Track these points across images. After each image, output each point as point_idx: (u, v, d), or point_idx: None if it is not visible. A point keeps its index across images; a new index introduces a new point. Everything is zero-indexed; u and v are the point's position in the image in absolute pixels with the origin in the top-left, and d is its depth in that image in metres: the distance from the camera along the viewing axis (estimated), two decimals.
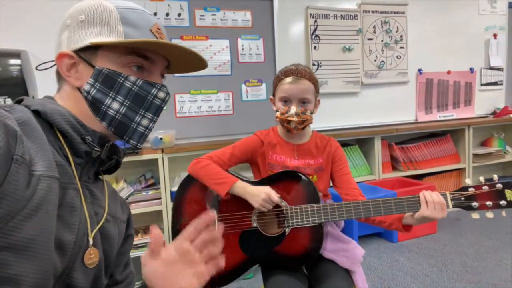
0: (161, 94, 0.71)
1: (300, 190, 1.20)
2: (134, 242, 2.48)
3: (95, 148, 0.65)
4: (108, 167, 0.74)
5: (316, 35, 3.08)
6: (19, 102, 0.64)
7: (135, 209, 2.36)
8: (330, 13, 3.10)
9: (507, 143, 3.66)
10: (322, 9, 3.07)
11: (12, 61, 2.03)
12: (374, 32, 3.27)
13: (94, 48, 0.65)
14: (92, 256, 0.65)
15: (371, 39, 3.27)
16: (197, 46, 2.74)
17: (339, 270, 1.19)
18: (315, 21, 3.06)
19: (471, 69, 3.67)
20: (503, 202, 1.09)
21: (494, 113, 3.70)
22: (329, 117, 3.15)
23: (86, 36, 0.65)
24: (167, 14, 2.66)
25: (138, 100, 0.68)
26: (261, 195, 1.14)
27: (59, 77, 0.69)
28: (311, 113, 1.28)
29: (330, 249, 1.24)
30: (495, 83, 3.80)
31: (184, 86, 2.73)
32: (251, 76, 2.91)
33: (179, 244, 0.66)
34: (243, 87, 2.90)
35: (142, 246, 2.42)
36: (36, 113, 0.61)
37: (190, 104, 2.77)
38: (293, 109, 1.22)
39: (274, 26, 2.93)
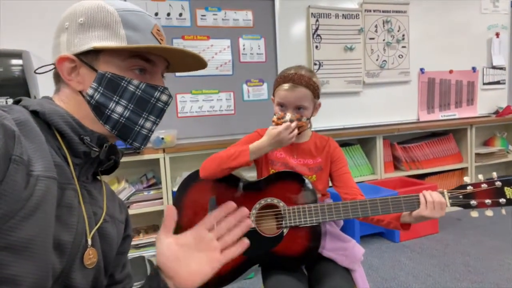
0: (164, 97, 0.71)
1: (298, 190, 1.20)
2: (136, 242, 2.51)
3: (94, 149, 0.65)
4: (106, 167, 0.74)
5: (318, 35, 3.07)
6: (17, 102, 0.64)
7: (136, 209, 2.36)
8: (332, 13, 3.09)
9: (510, 143, 3.65)
10: (323, 9, 3.06)
11: (14, 61, 2.04)
12: (376, 31, 3.26)
13: (95, 52, 0.65)
14: (91, 257, 0.65)
15: (373, 39, 3.26)
16: (198, 46, 2.74)
17: (339, 269, 1.19)
18: (317, 20, 3.05)
19: (474, 68, 3.65)
20: (502, 200, 1.07)
21: (496, 113, 3.69)
22: (330, 116, 3.14)
23: (88, 39, 0.65)
24: (168, 14, 2.66)
25: (141, 104, 0.69)
26: (272, 139, 1.19)
27: (58, 79, 0.69)
28: (308, 118, 1.28)
29: (329, 248, 1.23)
30: (498, 82, 3.79)
31: (186, 86, 2.73)
32: (252, 76, 2.91)
33: (196, 230, 0.70)
34: (245, 87, 2.90)
35: (144, 246, 2.43)
36: (35, 113, 0.61)
37: (192, 104, 2.78)
38: (288, 116, 1.23)
39: (276, 25, 2.93)
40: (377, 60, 3.28)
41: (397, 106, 3.40)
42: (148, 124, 0.71)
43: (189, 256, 0.67)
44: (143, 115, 0.70)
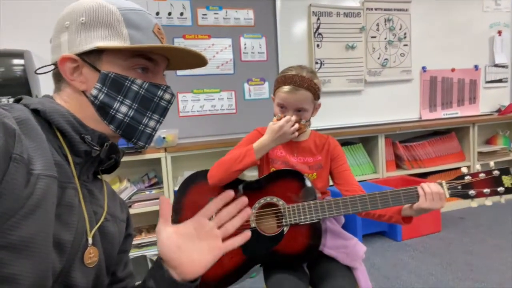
0: (167, 96, 0.72)
1: (297, 188, 1.20)
2: (138, 241, 2.51)
3: (95, 147, 0.65)
4: (107, 166, 0.74)
5: (319, 33, 3.06)
6: (18, 101, 0.64)
7: (138, 208, 2.36)
8: (333, 11, 3.09)
9: None
10: (325, 7, 3.06)
11: (16, 61, 2.04)
12: (378, 29, 3.25)
13: (98, 52, 0.65)
14: (92, 256, 0.65)
15: (375, 37, 3.25)
16: (199, 45, 2.74)
17: (341, 268, 1.19)
18: (318, 19, 3.05)
19: (476, 67, 3.64)
20: (500, 189, 1.07)
21: (499, 111, 3.67)
22: (332, 115, 3.14)
23: (90, 39, 0.64)
24: (170, 13, 2.66)
25: (145, 103, 0.69)
26: (274, 134, 1.20)
27: (58, 79, 0.68)
28: (307, 120, 1.29)
29: (331, 246, 1.23)
30: (500, 81, 3.77)
31: (187, 85, 2.74)
32: (253, 75, 2.91)
33: (196, 219, 0.70)
34: (246, 86, 2.90)
35: (146, 245, 2.43)
36: (35, 112, 0.61)
37: (193, 103, 2.78)
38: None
39: (277, 24, 2.93)
40: (378, 58, 3.28)
41: (399, 105, 3.40)
42: (152, 123, 0.71)
43: (190, 245, 0.67)
44: (147, 114, 0.70)
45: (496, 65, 3.73)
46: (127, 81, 0.66)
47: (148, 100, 0.69)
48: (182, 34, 2.70)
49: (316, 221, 1.15)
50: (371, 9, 3.21)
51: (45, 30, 0.77)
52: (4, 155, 0.49)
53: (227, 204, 0.72)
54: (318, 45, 3.07)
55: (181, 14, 2.69)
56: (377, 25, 3.25)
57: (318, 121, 2.97)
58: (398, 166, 3.21)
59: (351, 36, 3.16)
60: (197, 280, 0.68)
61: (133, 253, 2.34)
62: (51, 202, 0.55)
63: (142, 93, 0.68)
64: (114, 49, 0.65)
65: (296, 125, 1.22)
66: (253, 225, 1.18)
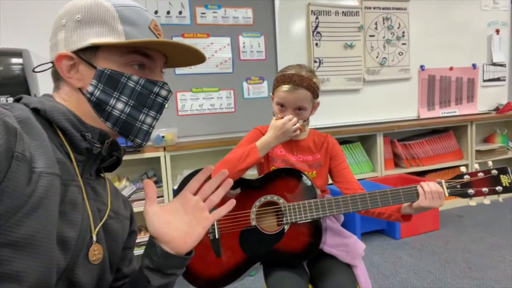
0: (164, 92, 0.71)
1: (297, 187, 1.20)
2: (138, 240, 2.51)
3: (95, 145, 0.65)
4: (109, 164, 0.74)
5: (318, 32, 3.07)
6: (18, 100, 0.64)
7: (137, 207, 2.35)
8: (332, 10, 3.09)
9: (510, 139, 3.65)
10: (323, 6, 3.06)
11: (14, 60, 2.03)
12: (376, 28, 3.26)
13: (94, 48, 0.65)
14: (96, 253, 0.66)
15: (373, 36, 3.26)
16: (198, 43, 2.73)
17: (341, 266, 1.19)
18: (317, 18, 3.05)
19: (474, 65, 3.65)
20: (499, 188, 1.09)
21: (497, 109, 3.69)
22: (331, 114, 3.14)
23: (85, 36, 0.64)
24: (168, 12, 2.66)
25: (141, 99, 0.68)
26: (277, 131, 1.22)
27: (57, 77, 0.68)
28: (305, 120, 1.30)
29: (331, 244, 1.24)
30: (498, 79, 3.78)
31: (186, 84, 2.73)
32: (252, 73, 2.91)
33: (180, 195, 0.73)
34: (245, 84, 2.90)
35: (146, 244, 2.43)
36: (36, 111, 0.61)
37: (192, 102, 2.77)
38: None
39: (276, 23, 2.93)
40: (377, 57, 3.28)
41: (397, 103, 3.40)
42: (148, 120, 0.71)
43: (178, 219, 0.70)
44: (144, 111, 0.69)
45: (494, 64, 3.74)
46: (123, 78, 0.66)
47: (144, 97, 0.69)
48: (181, 33, 2.69)
49: (316, 219, 1.15)
50: (370, 8, 3.22)
51: (44, 29, 0.78)
52: (6, 154, 0.49)
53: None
54: (316, 44, 3.07)
55: (180, 12, 2.69)
56: (376, 24, 3.25)
57: (317, 120, 2.97)
58: (397, 165, 3.22)
59: (350, 35, 3.16)
60: (191, 253, 0.70)
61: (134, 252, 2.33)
62: (54, 200, 0.55)
63: (139, 89, 0.68)
64: (109, 45, 0.65)
65: (299, 123, 1.23)
66: (253, 223, 1.19)
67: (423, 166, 3.20)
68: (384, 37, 3.29)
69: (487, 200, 1.11)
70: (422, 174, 3.23)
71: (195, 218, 0.71)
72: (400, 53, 3.36)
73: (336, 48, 3.13)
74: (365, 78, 3.25)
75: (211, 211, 0.74)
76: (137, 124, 0.69)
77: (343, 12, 3.12)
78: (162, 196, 2.43)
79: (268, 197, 1.21)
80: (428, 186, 1.10)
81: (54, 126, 0.62)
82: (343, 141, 3.11)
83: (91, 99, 0.65)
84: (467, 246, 2.45)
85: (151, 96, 0.69)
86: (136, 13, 0.68)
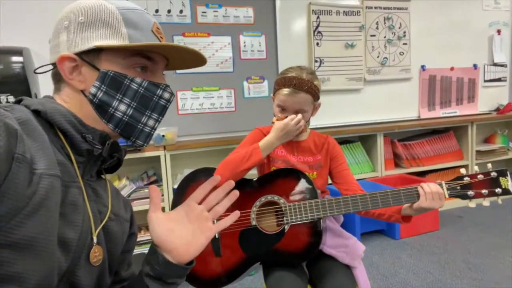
0: (166, 95, 0.72)
1: (298, 187, 1.20)
2: (138, 239, 2.50)
3: (96, 146, 0.65)
4: (110, 165, 0.74)
5: (319, 32, 3.06)
6: (18, 102, 0.64)
7: (137, 206, 2.36)
8: (333, 9, 3.08)
9: (511, 140, 3.64)
10: (324, 5, 3.05)
11: (14, 58, 2.03)
12: (377, 28, 3.26)
13: (97, 51, 0.65)
14: (97, 254, 0.66)
15: (374, 36, 3.25)
16: (199, 43, 2.73)
17: (341, 267, 1.20)
18: (318, 17, 3.05)
19: (475, 66, 3.65)
20: (498, 190, 1.10)
21: (497, 110, 3.68)
22: (331, 114, 3.14)
23: (89, 38, 0.64)
24: (169, 11, 2.65)
25: (144, 101, 0.69)
26: (280, 132, 1.22)
27: (58, 79, 0.68)
28: (306, 122, 1.30)
29: (330, 245, 1.24)
30: (499, 80, 3.78)
31: (186, 83, 2.73)
32: (253, 73, 2.90)
33: (185, 204, 0.73)
34: (245, 84, 2.89)
35: (146, 243, 2.44)
36: (36, 112, 0.61)
37: (192, 101, 2.77)
38: None
39: (276, 22, 2.92)
40: (378, 57, 3.28)
41: (398, 103, 3.40)
42: (151, 122, 0.71)
43: (182, 228, 0.69)
44: (146, 113, 0.70)
45: (495, 64, 3.73)
46: (126, 80, 0.66)
47: (147, 99, 0.69)
48: (181, 32, 2.69)
49: (317, 219, 1.15)
50: (371, 7, 3.21)
51: (45, 27, 0.77)
52: (6, 155, 0.49)
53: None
54: (317, 44, 3.07)
55: (181, 11, 2.68)
56: (377, 23, 3.25)
57: (317, 120, 2.97)
58: (397, 165, 3.22)
59: (351, 35, 3.16)
60: (192, 262, 0.70)
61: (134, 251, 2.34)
62: (54, 201, 0.55)
63: (141, 91, 0.68)
64: (113, 48, 0.65)
65: (302, 123, 1.24)
66: (254, 223, 1.19)
67: (424, 166, 3.20)
68: (385, 37, 3.29)
69: (486, 202, 1.12)
70: (422, 174, 3.23)
71: (199, 228, 0.70)
72: (401, 53, 3.35)
73: (337, 47, 3.13)
74: (365, 78, 3.25)
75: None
76: (139, 126, 0.69)
77: (344, 11, 3.12)
78: (162, 196, 2.43)
79: (269, 197, 1.21)
80: (429, 187, 1.10)
81: (54, 127, 0.62)
82: (343, 141, 3.11)
83: (94, 100, 0.65)
84: (466, 247, 2.45)
85: (154, 99, 0.70)
86: (139, 16, 0.68)
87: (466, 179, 1.13)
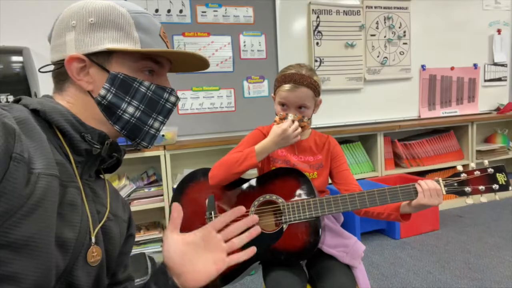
0: (172, 98, 0.73)
1: (296, 186, 1.20)
2: (138, 239, 2.51)
3: (95, 146, 0.65)
4: (108, 165, 0.74)
5: (319, 31, 3.06)
6: (17, 101, 0.64)
7: (137, 206, 2.36)
8: (333, 9, 3.08)
9: (511, 140, 3.64)
10: (324, 5, 3.05)
11: (14, 58, 2.03)
12: (377, 28, 3.25)
13: (107, 53, 0.65)
14: (95, 254, 0.66)
15: (374, 35, 3.25)
16: (199, 42, 2.73)
17: (341, 266, 1.19)
18: (318, 17, 3.04)
19: (475, 65, 3.64)
20: (495, 186, 1.11)
21: (497, 110, 3.68)
22: (331, 113, 3.14)
23: (100, 40, 0.64)
24: (169, 11, 2.65)
25: (151, 104, 0.70)
26: (277, 137, 1.20)
27: (61, 78, 0.68)
28: (309, 118, 1.30)
29: (330, 245, 1.24)
30: (499, 79, 3.78)
31: (186, 83, 2.73)
32: (253, 72, 2.90)
33: (204, 230, 0.71)
34: (245, 83, 2.89)
35: (145, 242, 2.43)
36: (35, 112, 0.61)
37: (192, 101, 2.77)
38: (291, 116, 1.24)
39: (276, 22, 2.92)
40: (378, 56, 3.28)
41: (398, 103, 3.40)
42: (156, 124, 0.72)
43: (196, 254, 0.68)
44: (153, 115, 0.71)
45: (495, 64, 3.73)
46: (136, 83, 0.67)
47: (154, 102, 0.70)
48: (181, 32, 2.69)
49: (315, 218, 1.15)
50: (371, 7, 3.21)
51: (45, 27, 0.77)
52: (4, 155, 0.49)
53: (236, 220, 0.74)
54: (317, 43, 3.06)
55: (181, 11, 2.68)
56: (377, 23, 3.25)
57: (317, 119, 2.97)
58: (397, 165, 3.22)
59: (351, 34, 3.15)
60: None
61: (133, 251, 2.34)
62: (52, 201, 0.55)
63: (149, 94, 0.69)
64: (128, 51, 0.65)
65: (299, 130, 1.22)
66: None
67: (424, 166, 3.20)
68: (385, 37, 3.28)
69: (484, 198, 1.13)
70: (422, 174, 3.22)
71: (212, 257, 0.69)
72: (401, 53, 3.35)
73: (337, 47, 3.13)
74: (366, 78, 3.24)
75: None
76: (145, 128, 0.71)
77: (344, 11, 3.11)
78: (162, 195, 2.43)
79: (267, 197, 1.21)
80: (426, 184, 1.11)
81: (53, 127, 0.62)
82: (343, 141, 3.11)
83: (102, 102, 0.66)
84: (466, 247, 2.45)
85: (160, 102, 0.71)
86: (148, 20, 0.69)
87: (463, 175, 1.13)
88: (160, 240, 2.43)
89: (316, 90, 1.27)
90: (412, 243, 2.56)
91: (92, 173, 0.71)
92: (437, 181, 1.12)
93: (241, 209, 0.74)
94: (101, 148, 0.67)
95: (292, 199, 1.18)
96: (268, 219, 1.22)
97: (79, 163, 0.65)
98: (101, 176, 0.77)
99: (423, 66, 3.45)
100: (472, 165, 1.16)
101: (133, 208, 2.33)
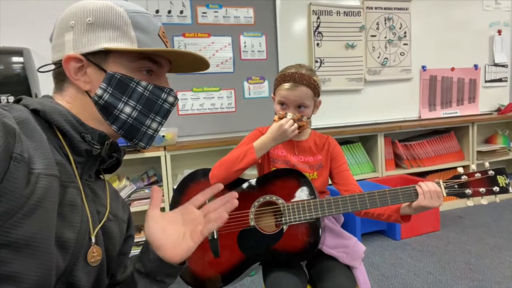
0: (170, 99, 0.73)
1: (296, 187, 1.20)
2: (137, 239, 2.51)
3: (95, 146, 0.65)
4: (108, 165, 0.74)
5: (319, 32, 3.06)
6: (17, 101, 0.64)
7: (137, 207, 2.36)
8: (333, 10, 3.08)
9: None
10: (325, 6, 3.05)
11: (15, 59, 2.04)
12: (378, 28, 3.25)
13: (104, 52, 0.65)
14: (95, 255, 0.66)
15: (375, 36, 3.25)
16: (199, 43, 2.73)
17: (341, 267, 1.19)
18: (318, 17, 3.04)
19: (475, 66, 3.64)
20: (496, 188, 1.11)
21: (498, 110, 3.68)
22: (332, 114, 3.14)
23: (97, 40, 0.64)
24: (169, 12, 2.65)
25: (149, 104, 0.70)
26: (275, 133, 1.21)
27: (60, 78, 0.68)
28: (308, 118, 1.30)
29: (330, 245, 1.24)
30: (500, 80, 3.78)
31: (187, 84, 2.73)
32: (253, 73, 2.90)
33: (184, 206, 0.75)
34: (246, 84, 2.89)
35: None
36: (35, 112, 0.61)
37: (193, 102, 2.77)
38: (289, 115, 1.24)
39: (277, 23, 2.92)
40: (378, 57, 3.27)
41: (398, 104, 3.40)
42: (154, 125, 0.72)
43: (173, 228, 0.70)
44: (150, 116, 0.71)
45: (496, 65, 3.73)
46: (133, 83, 0.67)
47: (152, 102, 0.70)
48: (182, 33, 2.69)
49: (315, 219, 1.15)
50: (371, 8, 3.21)
51: (45, 28, 0.77)
52: (4, 155, 0.49)
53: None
54: (318, 44, 3.06)
55: (181, 12, 2.68)
56: (377, 24, 3.25)
57: (318, 120, 2.97)
58: (398, 165, 3.22)
59: (351, 35, 3.15)
60: (184, 263, 0.70)
61: (132, 251, 2.33)
62: (52, 201, 0.55)
63: (147, 95, 0.69)
64: (124, 51, 0.65)
65: (296, 125, 1.23)
66: (252, 223, 1.19)
67: (424, 166, 3.19)
68: (385, 37, 3.28)
69: (484, 200, 1.12)
70: (423, 174, 3.22)
71: (190, 231, 0.71)
72: (402, 54, 3.35)
73: (337, 48, 3.13)
74: (366, 79, 3.24)
75: None
76: (142, 129, 0.70)
77: (344, 12, 3.11)
78: (162, 196, 2.43)
79: (267, 197, 1.21)
80: (427, 185, 1.11)
81: (53, 127, 0.62)
82: (343, 142, 3.11)
83: (99, 102, 0.65)
84: (467, 247, 2.44)
85: (158, 102, 0.71)
86: (147, 19, 0.69)
87: (464, 177, 1.13)
88: None
89: (315, 90, 1.27)
90: (412, 244, 2.56)
91: (92, 174, 0.71)
92: (438, 183, 1.12)
93: (219, 185, 0.76)
94: (101, 149, 0.67)
95: (292, 200, 1.18)
96: (268, 220, 1.22)
97: (79, 163, 0.65)
98: (101, 176, 0.77)
99: (423, 67, 3.45)
100: (473, 166, 1.16)
101: (133, 209, 2.33)
